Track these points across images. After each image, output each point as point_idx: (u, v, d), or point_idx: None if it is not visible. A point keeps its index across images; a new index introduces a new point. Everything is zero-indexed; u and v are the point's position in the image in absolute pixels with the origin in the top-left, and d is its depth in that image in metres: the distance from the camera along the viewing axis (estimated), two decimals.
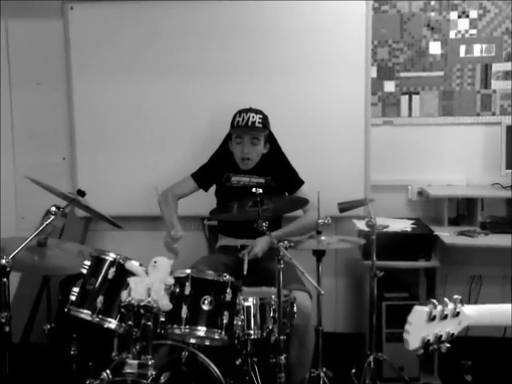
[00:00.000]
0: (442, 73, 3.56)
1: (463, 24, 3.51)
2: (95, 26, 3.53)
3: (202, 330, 2.14)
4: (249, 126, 2.89)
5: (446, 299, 1.39)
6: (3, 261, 2.00)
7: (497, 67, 3.51)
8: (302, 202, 2.66)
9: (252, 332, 2.23)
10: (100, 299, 2.14)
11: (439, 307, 1.36)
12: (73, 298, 2.17)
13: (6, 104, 3.77)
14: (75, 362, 2.48)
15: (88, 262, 2.22)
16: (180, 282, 2.16)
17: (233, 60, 3.47)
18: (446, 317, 1.37)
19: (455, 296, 1.40)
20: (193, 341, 2.21)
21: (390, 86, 3.60)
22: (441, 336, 1.37)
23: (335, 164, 3.46)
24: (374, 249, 2.70)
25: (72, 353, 2.48)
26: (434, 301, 1.37)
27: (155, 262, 2.13)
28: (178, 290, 2.15)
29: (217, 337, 2.16)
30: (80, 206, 2.39)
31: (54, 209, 2.19)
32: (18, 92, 3.77)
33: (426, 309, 1.36)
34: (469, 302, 3.49)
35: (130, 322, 2.05)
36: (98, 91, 3.57)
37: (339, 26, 3.40)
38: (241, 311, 2.21)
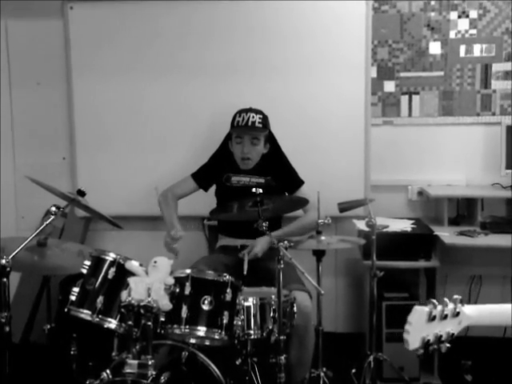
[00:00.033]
0: (441, 73, 3.56)
1: (463, 24, 3.51)
2: (95, 25, 3.53)
3: (202, 330, 2.14)
4: (249, 126, 2.89)
5: (446, 299, 1.39)
6: (3, 261, 2.00)
7: (497, 67, 3.51)
8: (302, 202, 2.65)
9: (252, 332, 2.23)
10: (100, 299, 2.14)
11: (439, 307, 1.36)
12: (73, 297, 2.17)
13: (6, 104, 3.77)
14: (75, 361, 2.49)
15: (88, 262, 2.22)
16: (180, 281, 2.16)
17: (233, 60, 3.47)
18: (446, 317, 1.37)
19: (455, 296, 1.40)
20: (193, 341, 2.21)
21: (389, 86, 3.60)
22: (441, 336, 1.37)
23: (335, 164, 3.46)
24: (374, 249, 2.70)
25: (72, 353, 2.48)
26: (434, 301, 1.37)
27: (155, 261, 2.13)
28: (178, 290, 2.15)
29: (217, 337, 2.16)
30: (80, 205, 2.39)
31: (53, 209, 2.19)
32: (18, 92, 3.77)
33: (426, 309, 1.36)
34: (469, 302, 3.49)
35: (129, 322, 2.05)
36: (98, 91, 3.57)
37: (339, 25, 3.40)
38: (241, 311, 2.21)
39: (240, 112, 2.95)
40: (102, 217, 2.47)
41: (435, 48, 3.54)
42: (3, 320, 2.04)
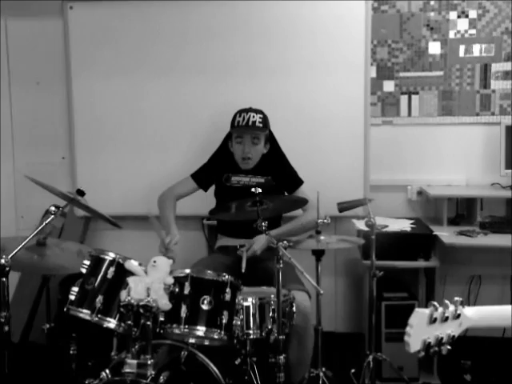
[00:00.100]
0: (441, 73, 3.56)
1: (463, 24, 3.51)
2: (95, 25, 3.53)
3: (201, 330, 2.14)
4: (249, 126, 2.89)
5: (446, 301, 1.38)
6: (2, 260, 2.00)
7: (496, 67, 3.51)
8: (301, 202, 2.65)
9: (251, 332, 2.23)
10: (99, 299, 2.14)
11: (440, 309, 1.36)
12: (72, 297, 2.17)
13: (6, 103, 3.78)
14: (74, 361, 2.49)
15: (87, 262, 2.22)
16: (179, 281, 2.16)
17: (233, 60, 3.47)
18: (446, 319, 1.37)
19: (456, 298, 1.40)
20: (192, 340, 2.21)
21: (389, 86, 3.60)
22: (442, 338, 1.37)
23: (334, 164, 3.46)
24: (374, 248, 2.70)
25: (71, 352, 2.48)
26: (435, 303, 1.36)
27: (155, 261, 2.13)
28: (177, 290, 2.14)
29: (216, 336, 2.16)
30: (79, 205, 2.39)
31: (53, 208, 2.19)
32: (18, 91, 3.77)
33: (427, 311, 1.35)
34: (468, 302, 3.51)
35: (129, 322, 2.05)
36: (98, 91, 3.57)
37: (339, 25, 3.40)
38: (240, 311, 2.21)
39: (240, 112, 2.95)
40: (101, 216, 2.46)
41: (435, 48, 3.54)
42: (2, 320, 2.03)
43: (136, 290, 2.04)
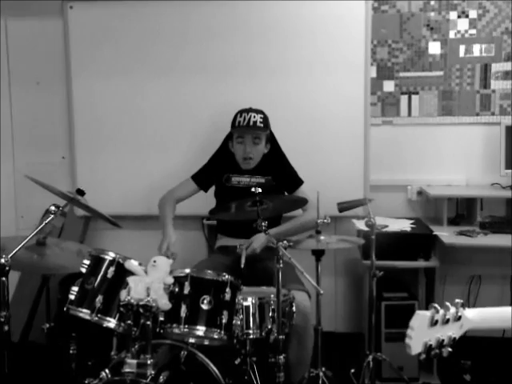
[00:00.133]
0: (441, 73, 3.56)
1: (463, 24, 3.51)
2: (95, 25, 3.53)
3: (201, 330, 2.14)
4: (250, 126, 2.89)
5: (447, 303, 1.38)
6: (2, 260, 2.00)
7: (496, 67, 3.51)
8: (301, 202, 2.66)
9: (251, 331, 2.23)
10: (99, 298, 2.14)
11: (441, 311, 1.36)
12: (72, 297, 2.17)
13: (6, 103, 3.78)
14: (74, 361, 2.49)
15: (87, 261, 2.22)
16: (179, 281, 2.16)
17: (233, 60, 3.47)
18: (447, 321, 1.37)
19: (457, 300, 1.39)
20: (192, 340, 2.21)
21: (389, 86, 3.60)
22: (443, 341, 1.36)
23: (334, 164, 3.46)
24: (374, 248, 2.70)
25: (71, 352, 2.48)
26: (436, 305, 1.36)
27: (154, 261, 2.13)
28: (177, 290, 2.14)
29: (216, 336, 2.16)
30: (79, 205, 2.39)
31: (53, 208, 2.19)
32: (18, 91, 3.77)
33: (428, 314, 1.35)
34: (468, 302, 3.52)
35: (129, 322, 2.05)
36: (98, 90, 3.57)
37: (339, 25, 3.40)
38: (240, 311, 2.21)
39: (241, 112, 2.95)
40: (101, 216, 2.47)
41: (435, 48, 3.54)
42: (2, 319, 2.03)
43: (136, 290, 2.05)
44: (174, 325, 2.13)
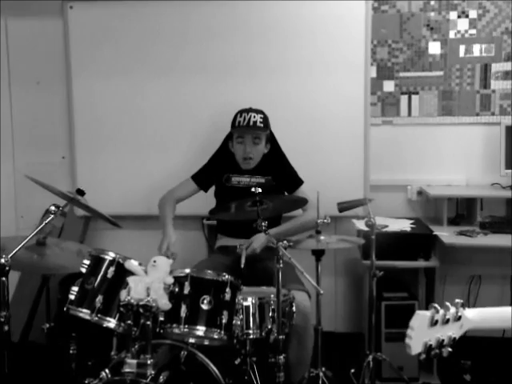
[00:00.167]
0: (441, 73, 3.56)
1: (463, 24, 3.51)
2: (95, 25, 3.53)
3: (201, 330, 2.14)
4: (250, 126, 2.90)
5: (447, 303, 1.38)
6: (2, 260, 2.00)
7: (496, 67, 3.51)
8: (301, 202, 2.66)
9: (251, 331, 2.22)
10: (99, 298, 2.14)
11: (441, 312, 1.36)
12: (72, 297, 2.17)
13: (6, 103, 3.78)
14: (74, 361, 2.49)
15: (87, 261, 2.22)
16: (179, 281, 2.16)
17: (233, 60, 3.47)
18: (447, 321, 1.37)
19: (457, 300, 1.39)
20: (192, 340, 2.21)
21: (389, 86, 3.60)
22: (443, 341, 1.36)
23: (335, 164, 3.46)
24: (374, 248, 2.70)
25: (71, 352, 2.48)
26: (436, 305, 1.36)
27: (154, 261, 2.13)
28: (177, 290, 2.14)
29: (216, 336, 2.16)
30: (79, 205, 2.39)
31: (53, 208, 2.19)
32: (18, 91, 3.77)
33: (428, 314, 1.35)
34: (468, 302, 3.51)
35: (129, 322, 2.05)
36: (98, 90, 3.57)
37: (339, 25, 3.40)
38: (240, 311, 2.21)
39: (241, 112, 2.95)
40: (101, 216, 2.47)
41: (435, 48, 3.54)
42: (2, 319, 2.03)
43: (136, 290, 2.05)
44: (174, 325, 2.14)
